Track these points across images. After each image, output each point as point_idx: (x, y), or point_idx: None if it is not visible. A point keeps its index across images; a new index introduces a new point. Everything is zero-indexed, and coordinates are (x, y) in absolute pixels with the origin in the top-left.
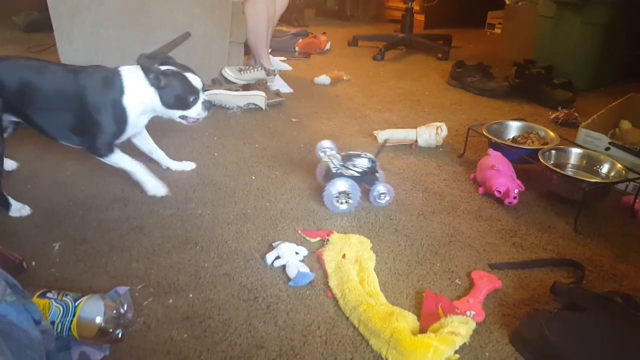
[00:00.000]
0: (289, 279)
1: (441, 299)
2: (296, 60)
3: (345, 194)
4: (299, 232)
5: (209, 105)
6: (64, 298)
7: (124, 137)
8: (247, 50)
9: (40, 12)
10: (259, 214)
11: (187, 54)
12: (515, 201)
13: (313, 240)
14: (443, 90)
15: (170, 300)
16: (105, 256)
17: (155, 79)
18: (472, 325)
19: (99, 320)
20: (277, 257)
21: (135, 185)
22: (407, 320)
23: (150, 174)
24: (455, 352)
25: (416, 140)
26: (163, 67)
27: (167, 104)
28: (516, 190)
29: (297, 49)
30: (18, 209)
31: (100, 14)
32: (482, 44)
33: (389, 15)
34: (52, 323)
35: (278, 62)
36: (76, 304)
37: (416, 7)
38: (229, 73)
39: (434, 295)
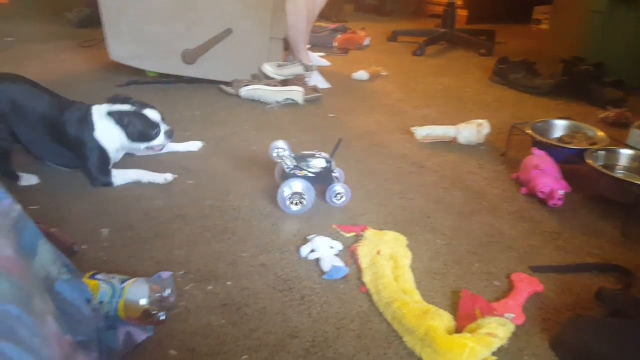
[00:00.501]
0: (323, 272)
1: (479, 299)
2: (334, 55)
3: (299, 194)
4: (334, 226)
5: (170, 133)
6: (111, 280)
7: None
8: (287, 46)
9: (91, 8)
10: None
11: (228, 50)
12: (559, 203)
13: (347, 235)
14: (485, 87)
15: (209, 287)
16: (149, 242)
17: (119, 119)
18: (511, 327)
19: (143, 302)
20: (312, 251)
21: (177, 176)
22: (443, 319)
23: (152, 173)
24: (493, 354)
25: (456, 138)
26: (123, 108)
27: (132, 139)
28: (561, 192)
29: (335, 44)
30: (27, 179)
31: (146, 11)
32: (527, 40)
33: (429, 10)
34: (101, 303)
35: (316, 58)
36: (123, 285)
37: (458, 2)
38: (268, 69)
39: (471, 296)
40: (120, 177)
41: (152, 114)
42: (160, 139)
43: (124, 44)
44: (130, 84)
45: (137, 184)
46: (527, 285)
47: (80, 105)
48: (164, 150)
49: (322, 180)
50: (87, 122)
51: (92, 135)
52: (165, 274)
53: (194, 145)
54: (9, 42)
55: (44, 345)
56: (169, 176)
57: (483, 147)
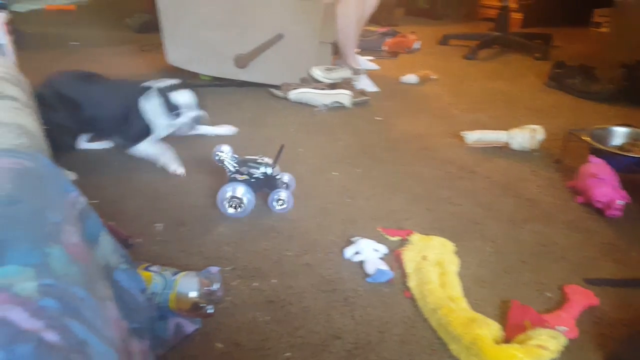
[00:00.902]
0: (367, 275)
1: (529, 310)
2: (384, 59)
3: (238, 199)
4: (379, 229)
5: (197, 119)
6: (164, 272)
7: None
8: (336, 50)
9: (150, 14)
10: (339, 210)
11: (278, 54)
12: (618, 213)
13: (393, 238)
14: (540, 92)
15: (255, 284)
16: (200, 238)
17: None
18: (563, 341)
19: (193, 295)
20: (356, 253)
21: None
22: (491, 328)
23: (171, 158)
24: None
25: (508, 143)
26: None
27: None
28: (620, 202)
29: (385, 48)
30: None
31: (202, 17)
32: (586, 44)
33: (482, 14)
34: (153, 294)
35: (365, 62)
36: (174, 278)
37: (513, 5)
38: (317, 72)
39: (521, 306)
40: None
41: (181, 95)
42: (182, 119)
43: (180, 49)
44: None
45: (192, 181)
46: (581, 298)
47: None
48: (195, 133)
49: (264, 186)
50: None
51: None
52: (214, 269)
53: (228, 130)
54: (74, 47)
55: (105, 327)
56: (181, 170)
57: (537, 153)
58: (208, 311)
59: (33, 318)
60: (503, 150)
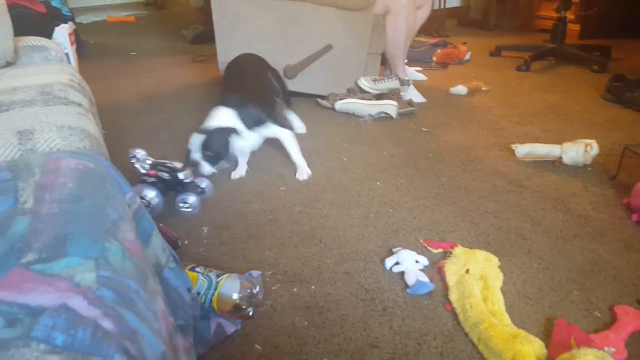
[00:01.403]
0: (407, 286)
1: (575, 329)
2: (433, 70)
3: (145, 200)
4: (421, 241)
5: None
6: (209, 273)
7: None
8: (384, 61)
9: (205, 26)
10: (381, 219)
11: (326, 65)
12: None
13: (435, 250)
14: (596, 106)
15: (295, 289)
16: (243, 242)
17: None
18: None
19: (235, 296)
20: (397, 263)
21: (271, 182)
22: (533, 345)
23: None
24: None
25: (560, 157)
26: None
27: None
28: None
29: (434, 59)
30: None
31: (254, 29)
32: None
33: (537, 25)
34: (197, 294)
35: (413, 72)
36: (218, 280)
37: (571, 16)
38: (364, 83)
39: (567, 325)
40: None
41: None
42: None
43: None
44: None
45: (233, 187)
46: (632, 319)
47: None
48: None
49: (172, 188)
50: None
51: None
52: (256, 273)
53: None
54: (133, 56)
55: (154, 319)
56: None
57: (590, 169)
58: (248, 313)
59: (91, 306)
60: (555, 164)
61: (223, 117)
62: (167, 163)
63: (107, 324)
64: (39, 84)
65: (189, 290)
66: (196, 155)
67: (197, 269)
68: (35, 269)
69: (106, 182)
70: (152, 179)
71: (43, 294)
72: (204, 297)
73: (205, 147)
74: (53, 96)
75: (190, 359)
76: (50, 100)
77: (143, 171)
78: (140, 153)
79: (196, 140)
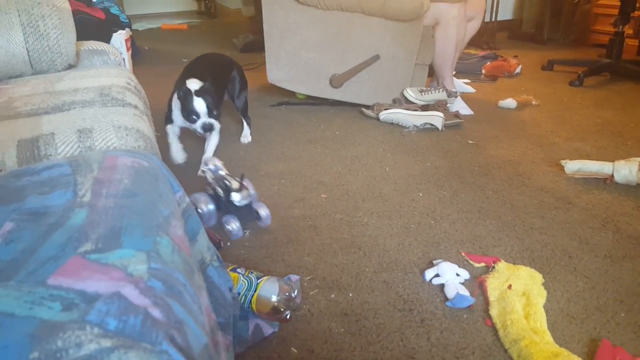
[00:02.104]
0: (446, 299)
1: (621, 351)
2: (482, 83)
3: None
4: (463, 254)
5: (208, 126)
6: (249, 275)
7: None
8: (431, 72)
9: (255, 35)
10: (422, 231)
11: (373, 75)
12: None
13: (477, 265)
14: None
15: (333, 295)
16: (283, 247)
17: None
18: None
19: (274, 299)
20: (437, 275)
21: (312, 189)
22: None
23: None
24: None
25: (612, 175)
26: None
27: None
28: None
29: (483, 71)
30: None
31: (303, 38)
32: None
33: (593, 40)
34: (238, 294)
35: (461, 85)
36: (258, 281)
37: (629, 31)
38: (410, 94)
39: (612, 347)
40: (170, 134)
41: (197, 102)
42: (197, 125)
43: (280, 68)
44: (281, 104)
45: (275, 193)
46: None
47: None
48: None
49: (225, 207)
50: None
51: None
52: (294, 277)
53: (247, 137)
54: (184, 63)
55: (199, 313)
56: (179, 161)
57: None
58: (286, 316)
59: (142, 295)
60: (606, 182)
61: (197, 83)
62: (227, 179)
63: (156, 312)
64: (98, 85)
65: (231, 289)
66: (208, 116)
67: (238, 270)
68: (92, 258)
69: (159, 181)
70: (210, 192)
71: (98, 281)
72: (243, 297)
73: (209, 105)
74: (111, 98)
75: (229, 355)
76: (109, 102)
77: (210, 181)
78: (214, 162)
79: (201, 102)
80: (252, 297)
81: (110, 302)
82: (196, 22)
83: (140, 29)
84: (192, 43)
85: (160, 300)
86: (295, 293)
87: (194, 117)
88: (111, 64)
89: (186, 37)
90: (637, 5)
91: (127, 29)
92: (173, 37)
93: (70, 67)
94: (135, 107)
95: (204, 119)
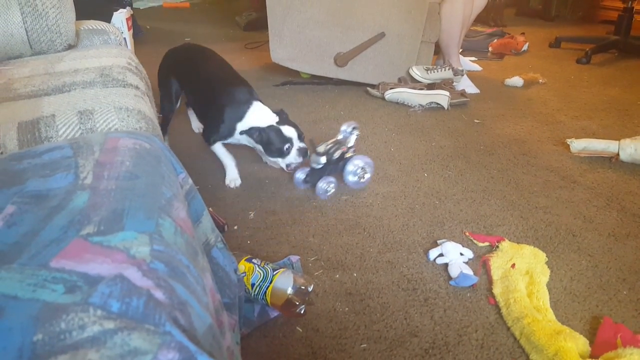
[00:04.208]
0: (450, 278)
1: (622, 328)
2: (488, 60)
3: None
4: (467, 234)
5: (304, 152)
6: (265, 266)
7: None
8: (437, 50)
9: (258, 12)
10: (426, 211)
11: (378, 53)
12: None
13: (481, 244)
14: None
15: (337, 275)
16: (288, 228)
17: (256, 136)
18: None
19: (289, 291)
20: (441, 255)
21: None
22: (577, 341)
23: (233, 170)
24: None
25: (618, 154)
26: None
27: (267, 153)
28: None
29: (490, 49)
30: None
31: (308, 16)
32: None
33: (601, 16)
34: (253, 285)
35: (468, 62)
36: (274, 273)
37: (638, 7)
38: (416, 72)
39: (614, 324)
40: (217, 150)
41: (288, 130)
42: (291, 157)
43: (284, 47)
44: (285, 84)
45: (279, 173)
46: None
47: (244, 91)
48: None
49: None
50: (240, 111)
51: (236, 121)
52: (294, 258)
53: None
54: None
55: (203, 294)
56: (237, 182)
57: None
58: (300, 311)
59: (145, 277)
60: (612, 161)
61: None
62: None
63: (159, 294)
64: (98, 66)
65: (236, 270)
66: (300, 140)
67: (254, 261)
68: (94, 240)
69: (161, 162)
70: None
71: (101, 264)
72: (258, 288)
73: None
74: (112, 78)
75: (235, 335)
76: (109, 82)
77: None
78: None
79: (293, 133)
80: (267, 288)
81: (112, 284)
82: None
83: (141, 8)
84: (194, 22)
85: (163, 281)
86: (311, 288)
87: (287, 148)
88: (112, 43)
89: (188, 16)
90: None
91: (128, 7)
92: (175, 15)
93: (70, 47)
94: (137, 87)
95: (298, 143)
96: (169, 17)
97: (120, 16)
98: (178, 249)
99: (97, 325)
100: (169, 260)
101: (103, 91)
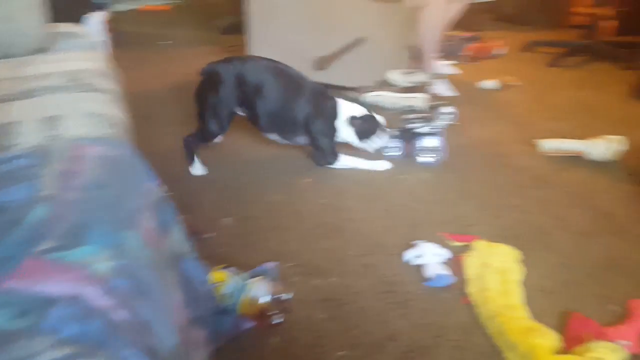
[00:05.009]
0: (426, 279)
1: (590, 322)
2: (465, 64)
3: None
4: (442, 234)
5: (392, 135)
6: (240, 275)
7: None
8: (415, 54)
9: (235, 16)
10: (404, 213)
11: (358, 57)
12: None
13: (456, 244)
14: (626, 104)
15: (316, 281)
16: (267, 233)
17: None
18: (623, 355)
19: (264, 299)
20: (418, 256)
21: (297, 174)
22: (549, 338)
23: (368, 161)
24: None
25: (586, 153)
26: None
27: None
28: None
29: (466, 53)
30: (199, 168)
31: (288, 21)
32: None
33: (572, 21)
34: (226, 295)
35: (444, 66)
36: (249, 282)
37: (609, 12)
38: (394, 76)
39: (583, 318)
40: (343, 161)
41: (378, 117)
42: (382, 140)
43: (263, 51)
44: None
45: (259, 178)
46: None
47: (325, 95)
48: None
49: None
50: (333, 113)
51: (333, 124)
52: (270, 265)
53: (382, 165)
54: (166, 45)
55: (169, 311)
56: (386, 164)
57: (617, 166)
58: (274, 321)
59: (105, 296)
60: (581, 160)
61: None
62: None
63: (120, 315)
64: (68, 70)
65: (206, 282)
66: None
67: (229, 270)
68: (52, 257)
69: (129, 171)
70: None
71: (57, 283)
72: (232, 298)
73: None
74: (82, 83)
75: (203, 351)
76: (80, 87)
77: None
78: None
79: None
80: (241, 298)
81: (68, 306)
82: (179, 2)
83: (120, 10)
84: (174, 25)
85: (124, 301)
86: (288, 296)
87: (380, 132)
88: (84, 47)
89: (168, 19)
90: None
91: (105, 10)
92: (154, 18)
93: (40, 50)
94: (108, 92)
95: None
96: (149, 20)
97: (98, 19)
98: (143, 264)
99: (50, 353)
100: (132, 276)
101: (72, 96)
